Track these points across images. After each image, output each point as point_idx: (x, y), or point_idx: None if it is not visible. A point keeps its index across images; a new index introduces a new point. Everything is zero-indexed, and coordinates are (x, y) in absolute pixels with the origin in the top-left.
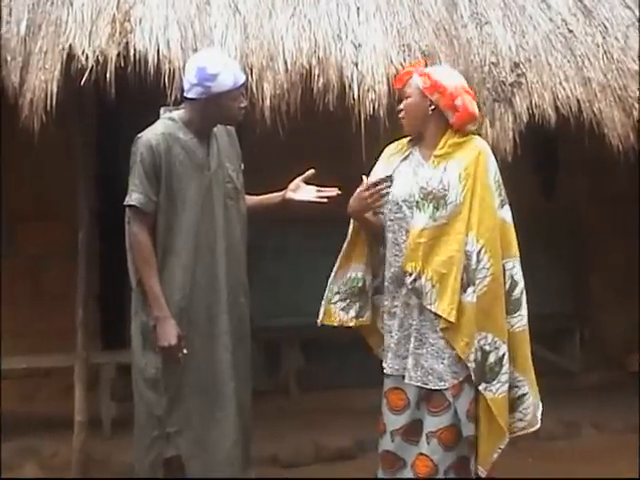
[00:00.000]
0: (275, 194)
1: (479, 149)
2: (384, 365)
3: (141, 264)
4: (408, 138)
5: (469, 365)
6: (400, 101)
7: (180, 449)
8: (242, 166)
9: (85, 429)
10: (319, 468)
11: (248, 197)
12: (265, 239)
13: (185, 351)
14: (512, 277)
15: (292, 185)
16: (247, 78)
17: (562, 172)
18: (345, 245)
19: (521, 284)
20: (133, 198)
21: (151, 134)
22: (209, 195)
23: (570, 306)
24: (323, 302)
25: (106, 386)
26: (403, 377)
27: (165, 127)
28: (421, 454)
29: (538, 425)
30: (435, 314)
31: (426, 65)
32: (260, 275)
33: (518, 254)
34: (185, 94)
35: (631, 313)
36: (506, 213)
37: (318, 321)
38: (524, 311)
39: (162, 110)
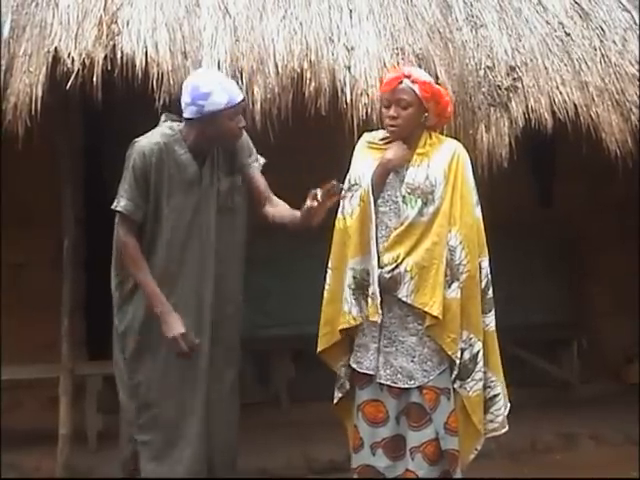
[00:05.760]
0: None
1: (457, 148)
2: (356, 366)
3: (131, 265)
4: (381, 136)
5: (457, 361)
6: (388, 105)
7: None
8: (258, 159)
9: (69, 442)
10: None
11: (285, 208)
12: (254, 250)
13: (197, 341)
14: (487, 276)
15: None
16: (244, 98)
17: (559, 178)
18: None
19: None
20: (121, 204)
21: (146, 141)
22: (197, 212)
23: (568, 315)
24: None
25: (92, 398)
26: (381, 389)
27: (162, 136)
28: (407, 470)
29: (507, 427)
30: (408, 311)
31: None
32: (249, 286)
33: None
34: (183, 114)
35: (630, 323)
36: (479, 213)
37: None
38: (493, 311)
39: (163, 116)
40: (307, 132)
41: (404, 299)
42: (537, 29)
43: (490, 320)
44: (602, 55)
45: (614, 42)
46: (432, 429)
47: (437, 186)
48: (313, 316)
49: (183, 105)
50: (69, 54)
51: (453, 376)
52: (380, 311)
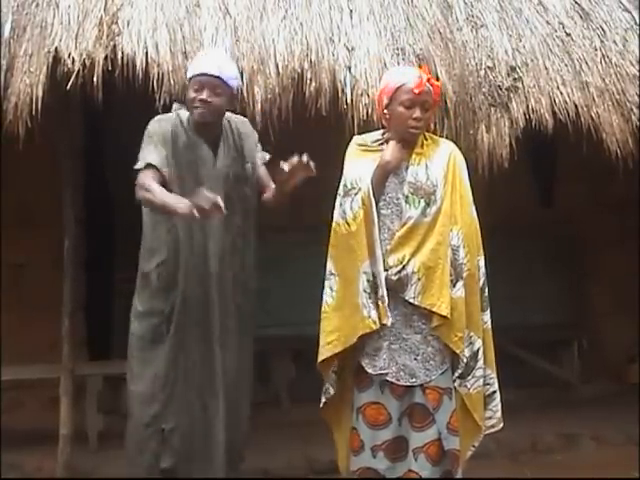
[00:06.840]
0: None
1: (453, 148)
2: (371, 370)
3: (162, 207)
4: (373, 138)
5: (463, 359)
6: (410, 106)
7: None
8: (261, 158)
9: (70, 442)
10: None
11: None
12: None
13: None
14: (484, 274)
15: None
16: (218, 75)
17: (559, 178)
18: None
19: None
20: (147, 159)
21: (163, 116)
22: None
23: (568, 316)
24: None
25: (92, 398)
26: (382, 391)
27: (176, 116)
28: (410, 470)
29: (502, 424)
30: (414, 310)
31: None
32: None
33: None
34: None
35: (631, 323)
36: (475, 212)
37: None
38: (489, 309)
39: (175, 105)
40: (308, 132)
41: (411, 300)
42: (538, 29)
43: (487, 318)
44: (603, 55)
45: (615, 42)
46: (435, 429)
47: (438, 186)
48: (313, 316)
49: None
50: (69, 54)
51: (455, 375)
52: (389, 314)
